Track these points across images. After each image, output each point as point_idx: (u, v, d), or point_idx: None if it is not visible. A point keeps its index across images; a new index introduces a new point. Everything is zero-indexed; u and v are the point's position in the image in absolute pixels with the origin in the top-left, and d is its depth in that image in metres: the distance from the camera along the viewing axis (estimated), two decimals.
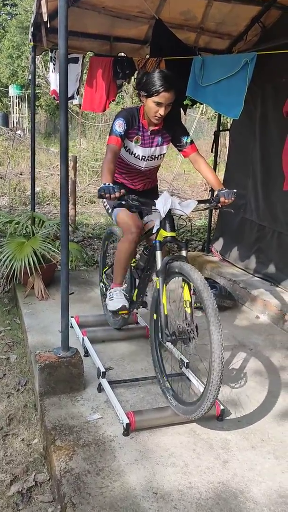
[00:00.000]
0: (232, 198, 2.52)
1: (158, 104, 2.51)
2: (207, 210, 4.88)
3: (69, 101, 4.17)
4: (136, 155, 2.76)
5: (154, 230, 2.58)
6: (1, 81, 21.42)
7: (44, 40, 3.76)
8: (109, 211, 2.91)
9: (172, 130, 2.75)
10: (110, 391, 2.49)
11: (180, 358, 2.80)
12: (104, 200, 2.86)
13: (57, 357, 2.51)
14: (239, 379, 2.83)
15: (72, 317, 3.38)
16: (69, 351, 2.56)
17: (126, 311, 2.90)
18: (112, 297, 2.90)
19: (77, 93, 4.16)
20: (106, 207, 2.93)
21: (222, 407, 2.40)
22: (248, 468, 2.08)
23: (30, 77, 4.23)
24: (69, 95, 4.08)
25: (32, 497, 2.00)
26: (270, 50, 2.99)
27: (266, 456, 2.16)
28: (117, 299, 2.86)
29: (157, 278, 2.41)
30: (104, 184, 2.31)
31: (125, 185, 2.92)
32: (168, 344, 2.44)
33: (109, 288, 3.01)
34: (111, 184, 2.31)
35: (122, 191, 2.30)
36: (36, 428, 2.49)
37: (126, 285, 2.98)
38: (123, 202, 2.35)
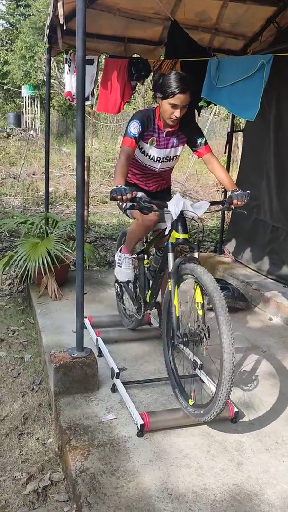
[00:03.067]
0: (245, 200, 2.51)
1: (174, 106, 2.51)
2: (220, 211, 4.88)
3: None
4: (151, 157, 2.76)
5: (166, 232, 2.59)
6: (14, 82, 21.58)
7: (60, 42, 3.79)
8: (124, 211, 2.91)
9: (187, 131, 2.75)
10: (124, 392, 2.50)
11: (193, 360, 2.80)
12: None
13: (71, 357, 2.53)
14: (252, 381, 2.82)
15: (85, 317, 3.40)
16: (84, 352, 2.58)
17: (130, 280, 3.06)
18: (121, 264, 3.01)
19: (92, 95, 4.18)
20: (120, 204, 2.93)
21: (236, 409, 2.40)
22: (262, 470, 2.07)
23: (44, 78, 4.26)
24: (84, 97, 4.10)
25: (47, 496, 2.03)
26: (287, 51, 2.97)
27: (281, 458, 2.16)
28: (125, 270, 2.99)
29: (169, 280, 2.42)
30: (116, 186, 2.33)
31: (138, 186, 2.93)
32: (180, 346, 2.44)
33: (120, 249, 3.08)
34: (123, 186, 2.32)
35: (134, 192, 2.31)
36: (51, 428, 2.52)
37: (135, 255, 3.06)
38: (135, 204, 2.36)
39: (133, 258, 3.05)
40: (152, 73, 3.90)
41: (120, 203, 2.91)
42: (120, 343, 3.21)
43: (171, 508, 1.82)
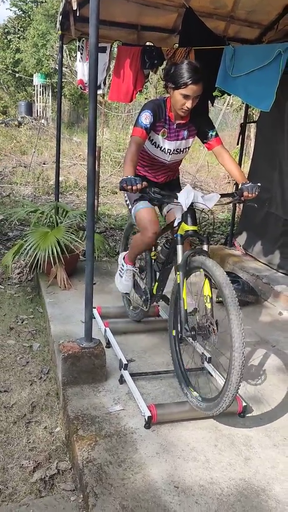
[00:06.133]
0: (256, 193, 2.46)
1: (186, 96, 2.46)
2: (231, 204, 4.82)
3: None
4: (162, 148, 2.72)
5: (176, 224, 2.56)
6: (26, 70, 21.49)
7: (73, 29, 3.74)
8: (129, 206, 2.88)
9: (198, 123, 2.70)
10: (132, 383, 2.49)
11: (202, 353, 2.79)
12: (125, 194, 2.85)
13: (80, 348, 2.53)
14: (261, 376, 2.80)
15: (94, 307, 3.39)
16: (92, 342, 2.58)
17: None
18: (122, 274, 3.05)
19: (104, 83, 4.13)
20: (127, 202, 2.90)
21: (244, 404, 2.38)
22: (270, 466, 2.06)
23: (56, 66, 4.21)
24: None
25: (54, 485, 2.03)
26: None
27: None
28: (125, 281, 3.05)
29: (178, 273, 2.39)
30: (126, 176, 2.30)
31: (147, 178, 2.89)
32: (189, 339, 2.43)
33: (122, 257, 3.10)
34: (133, 176, 2.29)
35: (144, 183, 2.28)
36: (58, 417, 2.52)
37: (137, 268, 3.10)
38: (145, 195, 2.33)
39: (135, 270, 3.08)
40: (165, 62, 3.84)
41: (127, 198, 2.89)
42: (128, 335, 3.20)
43: (177, 501, 1.81)
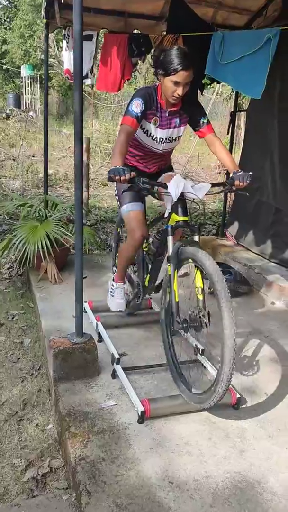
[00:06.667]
0: (247, 181, 2.41)
1: (176, 83, 2.39)
2: (222, 193, 4.78)
3: (83, 81, 4.07)
4: (154, 137, 2.66)
5: (166, 214, 2.51)
6: (13, 61, 21.19)
7: (57, 16, 3.65)
8: (118, 198, 2.84)
9: (190, 110, 2.64)
10: (125, 378, 2.46)
11: (195, 345, 2.76)
12: (115, 187, 2.80)
13: (71, 343, 2.49)
14: (254, 367, 2.78)
15: (85, 301, 3.35)
16: (83, 337, 2.54)
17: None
18: (114, 294, 2.98)
19: (91, 72, 4.05)
20: (116, 195, 2.85)
21: (238, 395, 2.36)
22: (265, 457, 2.04)
23: (42, 56, 4.12)
24: (83, 75, 3.97)
25: (47, 483, 2.00)
26: None
27: (283, 445, 2.12)
28: (117, 299, 2.99)
29: (168, 265, 2.35)
30: (114, 166, 2.24)
31: (138, 168, 2.83)
32: (180, 332, 2.39)
33: (113, 277, 3.03)
34: (121, 166, 2.24)
35: (133, 173, 2.22)
36: (50, 413, 2.49)
37: (126, 286, 3.07)
38: (134, 185, 2.28)
39: (125, 287, 3.04)
40: (153, 49, 3.76)
41: (116, 191, 2.84)
42: (120, 328, 3.16)
43: (172, 497, 1.79)
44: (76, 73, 2.12)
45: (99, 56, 4.09)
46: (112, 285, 3.05)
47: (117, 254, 3.42)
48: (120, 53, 3.76)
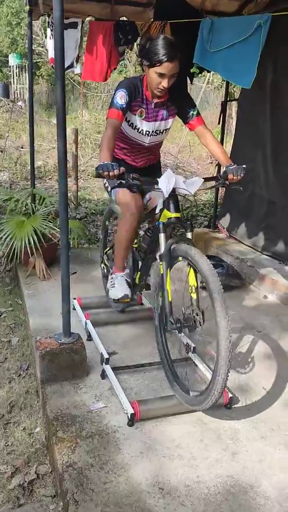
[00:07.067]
0: (241, 175, 2.33)
1: (161, 75, 2.29)
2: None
3: (69, 70, 3.96)
4: (139, 130, 2.56)
5: (157, 211, 2.43)
6: (0, 50, 20.81)
7: (40, 3, 3.51)
8: (108, 189, 2.74)
9: (178, 102, 2.54)
10: (114, 378, 2.39)
11: (187, 343, 2.69)
12: (105, 181, 2.70)
13: (58, 344, 2.41)
14: (247, 364, 2.73)
15: (74, 298, 3.28)
16: (71, 337, 2.46)
17: (128, 300, 2.79)
18: (114, 284, 2.79)
19: (77, 61, 3.92)
20: (106, 185, 2.76)
21: (230, 395, 2.30)
22: (258, 460, 1.99)
23: (32, 46, 3.98)
24: (68, 63, 3.85)
25: (34, 491, 1.94)
26: (285, 11, 2.74)
27: (277, 446, 2.08)
28: (119, 287, 2.75)
29: (161, 263, 2.27)
30: (103, 162, 2.15)
31: (126, 161, 2.74)
32: (174, 332, 2.32)
33: (111, 271, 2.89)
34: (110, 162, 2.14)
35: (122, 168, 2.13)
36: (38, 416, 2.42)
37: (128, 270, 2.86)
38: (123, 182, 2.19)
39: (126, 273, 2.84)
40: (139, 37, 3.64)
41: (106, 182, 2.74)
42: (111, 325, 3.09)
43: (162, 504, 1.73)
44: (57, 62, 2.01)
45: (85, 44, 3.96)
46: (112, 278, 2.84)
47: (105, 250, 3.33)
48: (106, 42, 3.63)
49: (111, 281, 2.82)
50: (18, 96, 17.90)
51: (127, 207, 2.58)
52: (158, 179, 2.27)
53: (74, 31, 3.77)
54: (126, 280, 2.78)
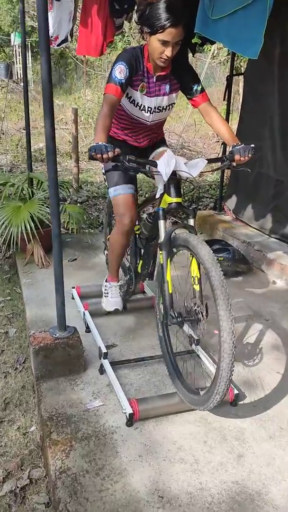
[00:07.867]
0: (250, 155, 2.12)
1: (164, 43, 2.06)
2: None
3: (63, 45, 3.74)
4: (141, 107, 2.34)
5: (157, 195, 2.25)
6: (2, 29, 20.29)
7: None
8: (105, 180, 2.57)
9: (181, 76, 2.32)
10: (113, 375, 2.26)
11: (190, 335, 2.54)
12: (102, 166, 2.52)
13: (53, 338, 2.28)
14: (254, 356, 2.58)
15: (73, 287, 3.14)
16: (66, 331, 2.33)
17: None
18: (107, 293, 2.72)
19: (71, 35, 3.69)
20: (103, 171, 2.57)
21: (236, 391, 2.16)
22: (265, 463, 1.85)
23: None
24: (62, 38, 3.63)
25: (26, 497, 1.82)
26: None
27: (286, 447, 1.94)
28: (111, 298, 2.71)
29: (160, 252, 2.11)
30: (96, 143, 1.96)
31: (127, 142, 2.54)
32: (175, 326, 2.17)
33: (105, 277, 2.78)
34: (103, 143, 1.96)
35: (117, 150, 1.94)
36: (34, 413, 2.30)
37: (122, 281, 2.79)
38: (118, 164, 2.00)
39: (120, 284, 2.77)
40: (137, 4, 3.39)
41: (103, 169, 2.55)
42: (111, 315, 2.94)
43: None
44: (41, 33, 1.82)
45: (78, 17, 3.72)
46: (105, 286, 2.78)
47: (108, 236, 3.17)
48: (101, 13, 3.37)
49: (105, 290, 2.75)
50: (22, 76, 17.54)
51: (120, 216, 2.45)
52: (157, 161, 2.08)
53: (67, 2, 3.52)
54: (119, 291, 2.73)
